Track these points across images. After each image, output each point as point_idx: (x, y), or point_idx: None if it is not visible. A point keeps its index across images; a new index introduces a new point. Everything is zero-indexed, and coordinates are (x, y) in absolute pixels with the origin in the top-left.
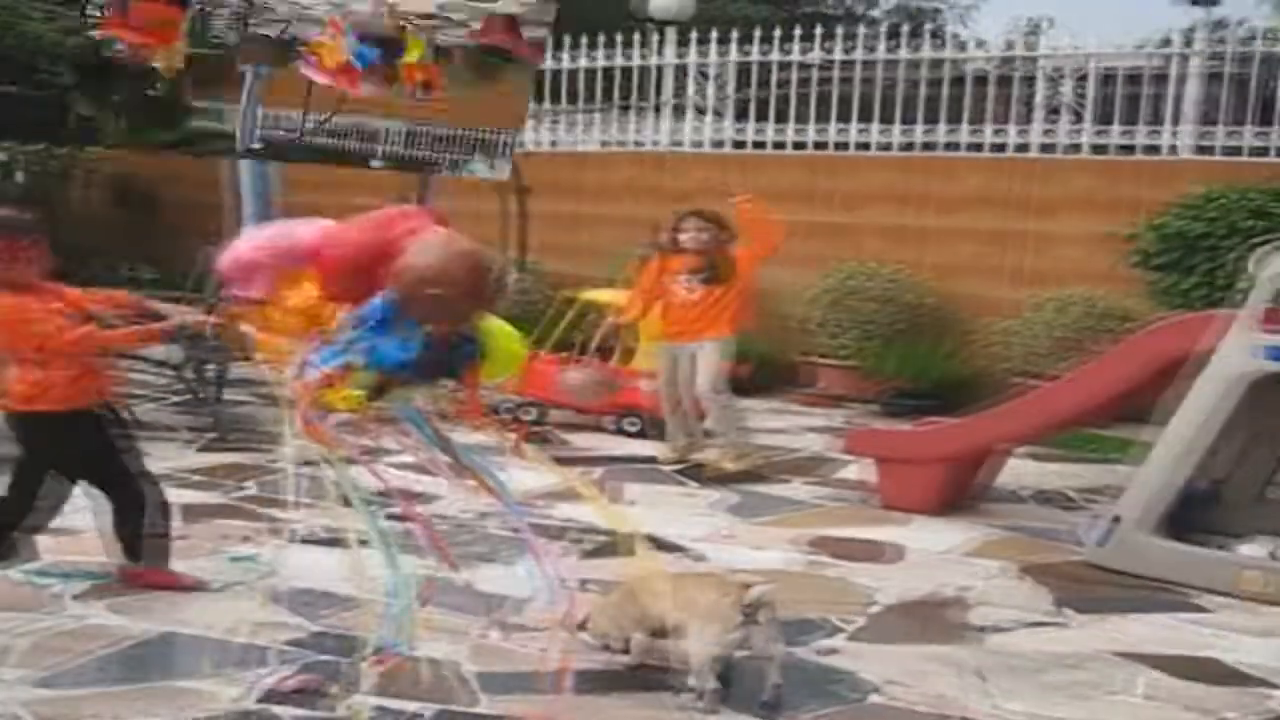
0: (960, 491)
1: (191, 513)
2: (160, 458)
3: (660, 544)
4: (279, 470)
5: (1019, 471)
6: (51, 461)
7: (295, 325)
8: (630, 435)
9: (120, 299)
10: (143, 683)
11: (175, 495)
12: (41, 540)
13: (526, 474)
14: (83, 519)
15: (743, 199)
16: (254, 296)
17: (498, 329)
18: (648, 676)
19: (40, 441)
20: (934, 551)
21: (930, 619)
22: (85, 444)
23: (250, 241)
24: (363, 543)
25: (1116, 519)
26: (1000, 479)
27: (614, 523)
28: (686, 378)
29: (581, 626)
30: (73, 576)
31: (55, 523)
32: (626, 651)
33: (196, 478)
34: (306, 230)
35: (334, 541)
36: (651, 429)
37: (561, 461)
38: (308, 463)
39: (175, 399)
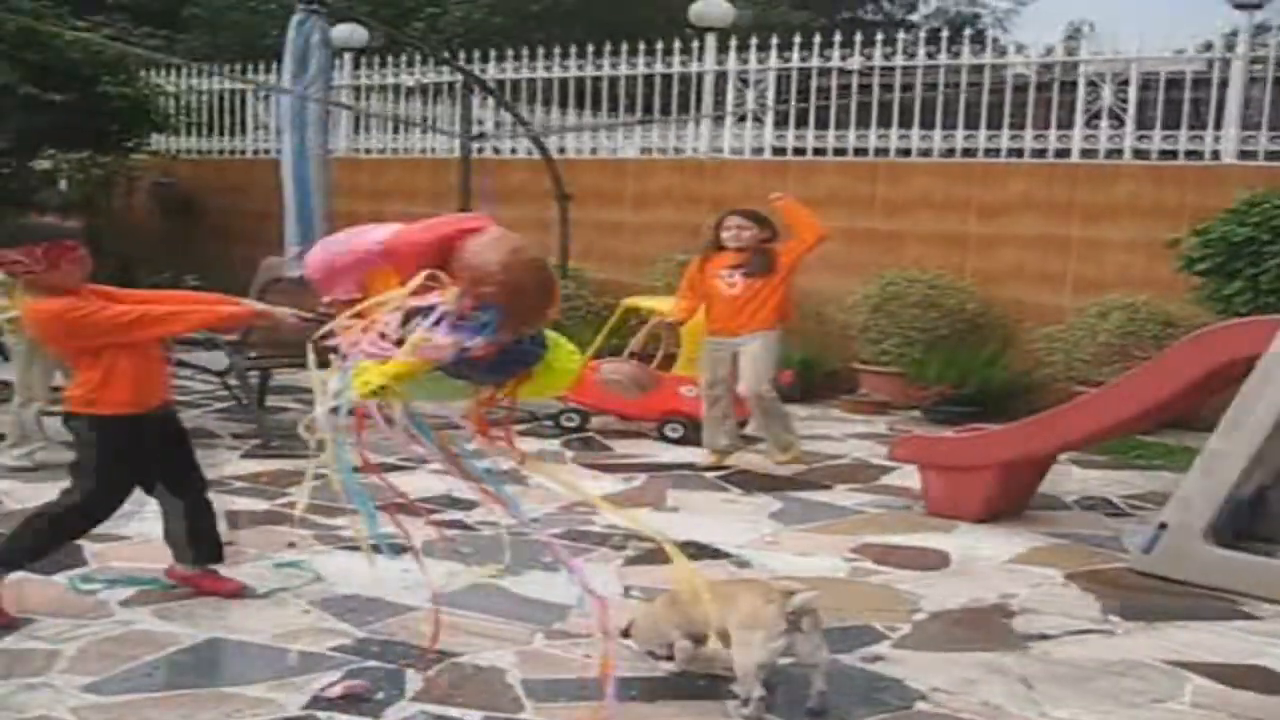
0: (1007, 499)
1: (236, 519)
2: (205, 464)
3: (704, 550)
4: (324, 477)
5: (1065, 478)
6: (116, 464)
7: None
8: (673, 441)
9: (190, 297)
10: (190, 689)
11: (220, 502)
12: (88, 546)
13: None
14: (129, 525)
15: (777, 196)
16: (341, 298)
17: (557, 342)
18: (692, 683)
19: (103, 444)
20: (980, 558)
21: (976, 626)
22: (148, 446)
23: (332, 245)
24: (404, 549)
25: (1163, 526)
26: (1046, 486)
27: (637, 526)
28: (728, 375)
29: (625, 634)
30: (119, 582)
31: (101, 528)
32: (670, 658)
33: (240, 484)
34: (381, 231)
35: (379, 548)
36: (694, 434)
37: (604, 468)
38: (356, 469)
39: (219, 406)
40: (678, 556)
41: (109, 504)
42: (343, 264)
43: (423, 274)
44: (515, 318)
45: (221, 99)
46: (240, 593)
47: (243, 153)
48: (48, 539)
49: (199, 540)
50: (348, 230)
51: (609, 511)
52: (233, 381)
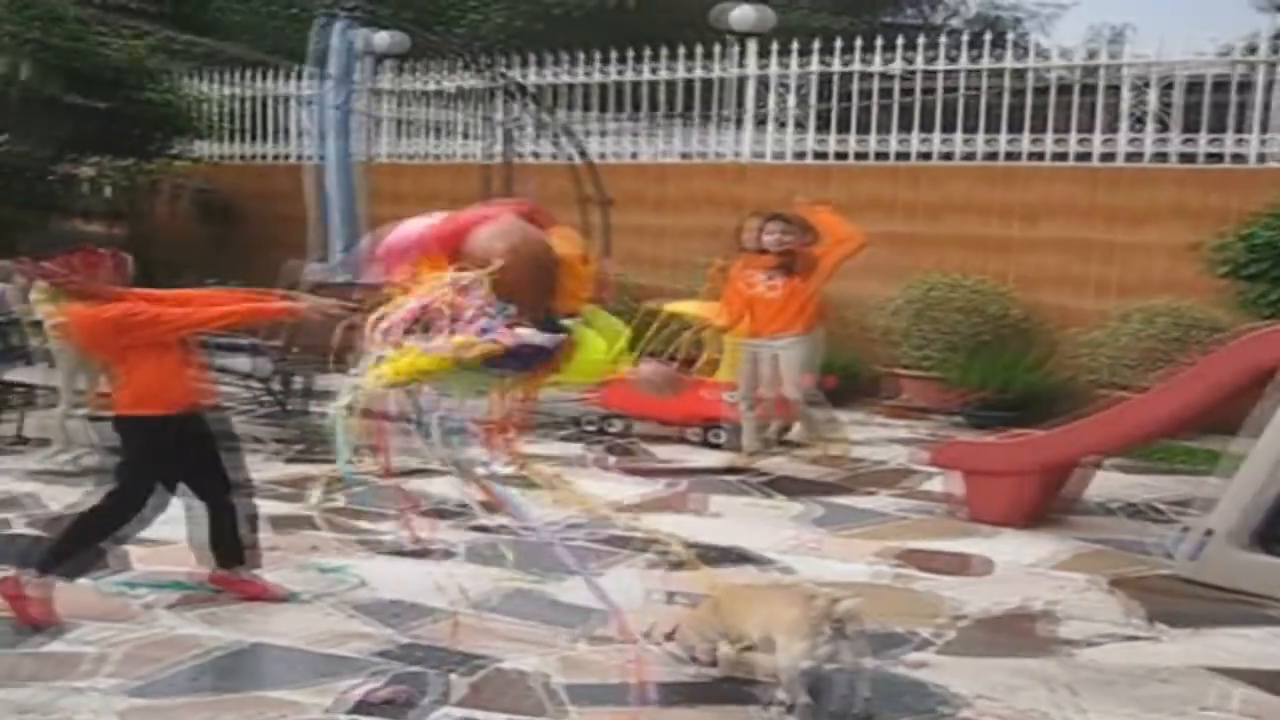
0: (1049, 504)
1: (280, 524)
2: (245, 469)
3: (746, 556)
4: (367, 482)
5: (1107, 484)
6: (153, 466)
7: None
8: (715, 447)
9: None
10: (234, 692)
11: (263, 507)
12: (133, 550)
13: (611, 486)
14: (173, 530)
15: (805, 201)
16: (395, 280)
17: (585, 335)
18: (736, 689)
19: (141, 446)
20: (1022, 564)
21: (1020, 633)
22: (185, 448)
23: (397, 231)
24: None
25: (1209, 532)
26: (1088, 491)
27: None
28: (766, 377)
29: (669, 637)
30: (164, 586)
31: (146, 533)
32: (714, 664)
33: (284, 489)
34: (426, 220)
35: (422, 553)
36: (738, 439)
37: (646, 473)
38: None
39: (262, 411)
40: (691, 560)
41: (131, 504)
42: (398, 249)
43: (442, 277)
44: (517, 304)
45: (263, 105)
46: (282, 598)
47: (284, 158)
48: (74, 541)
49: (219, 543)
50: (414, 220)
51: (612, 516)
52: (275, 387)
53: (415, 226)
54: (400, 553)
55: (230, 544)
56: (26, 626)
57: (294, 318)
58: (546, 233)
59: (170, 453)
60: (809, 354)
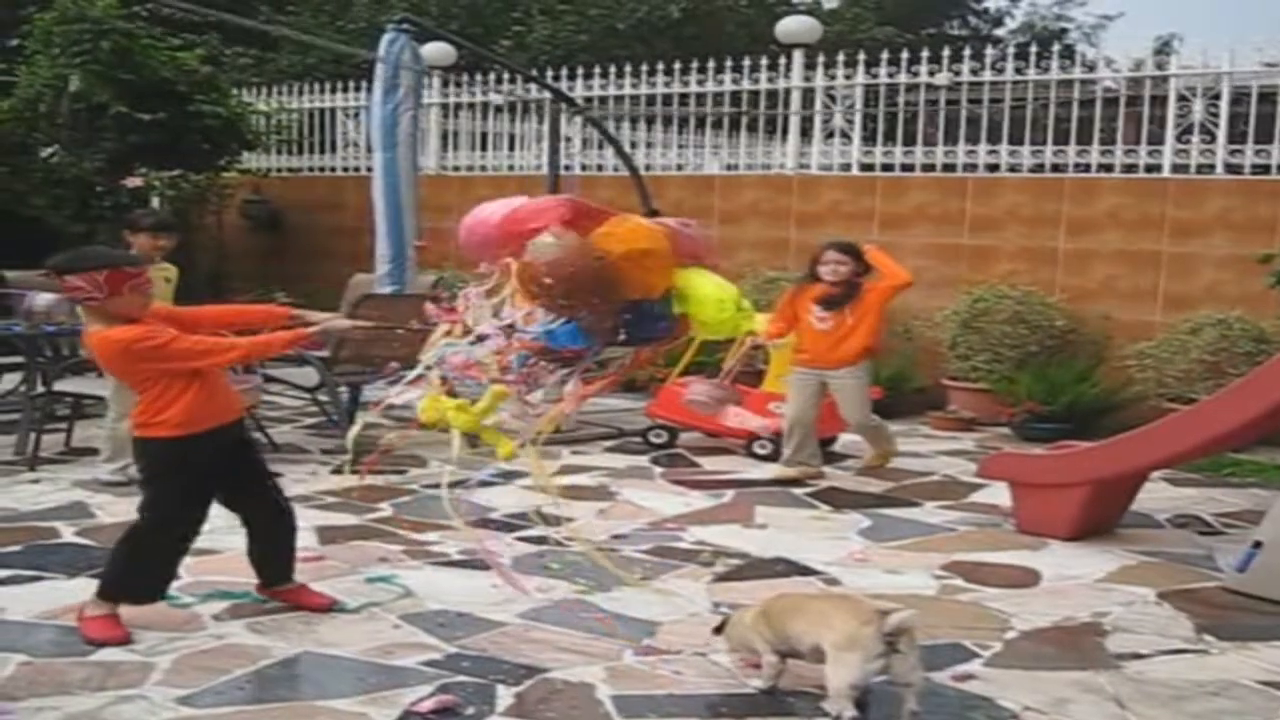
0: (1098, 516)
1: (327, 534)
2: (295, 480)
3: (793, 567)
4: (414, 492)
5: (1156, 496)
6: (174, 485)
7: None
8: (761, 458)
9: (274, 311)
10: (282, 702)
11: (311, 517)
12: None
13: (654, 497)
14: (220, 539)
15: (872, 246)
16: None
17: (695, 291)
18: (780, 701)
19: (155, 467)
20: (1070, 577)
21: (1068, 645)
22: (199, 466)
23: (475, 218)
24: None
25: (1258, 544)
26: (1138, 503)
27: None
28: (813, 403)
29: (718, 631)
30: (211, 596)
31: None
32: (758, 666)
33: (331, 499)
34: (502, 208)
35: (471, 564)
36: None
37: (692, 484)
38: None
39: (310, 421)
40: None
41: (167, 521)
42: (479, 236)
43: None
44: (570, 313)
45: (311, 117)
46: (330, 607)
47: (332, 170)
48: (124, 567)
49: (258, 561)
50: (485, 205)
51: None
52: (323, 397)
53: (493, 212)
54: (447, 562)
55: (278, 562)
56: (94, 644)
57: (305, 346)
58: (593, 229)
59: (191, 472)
60: (863, 384)
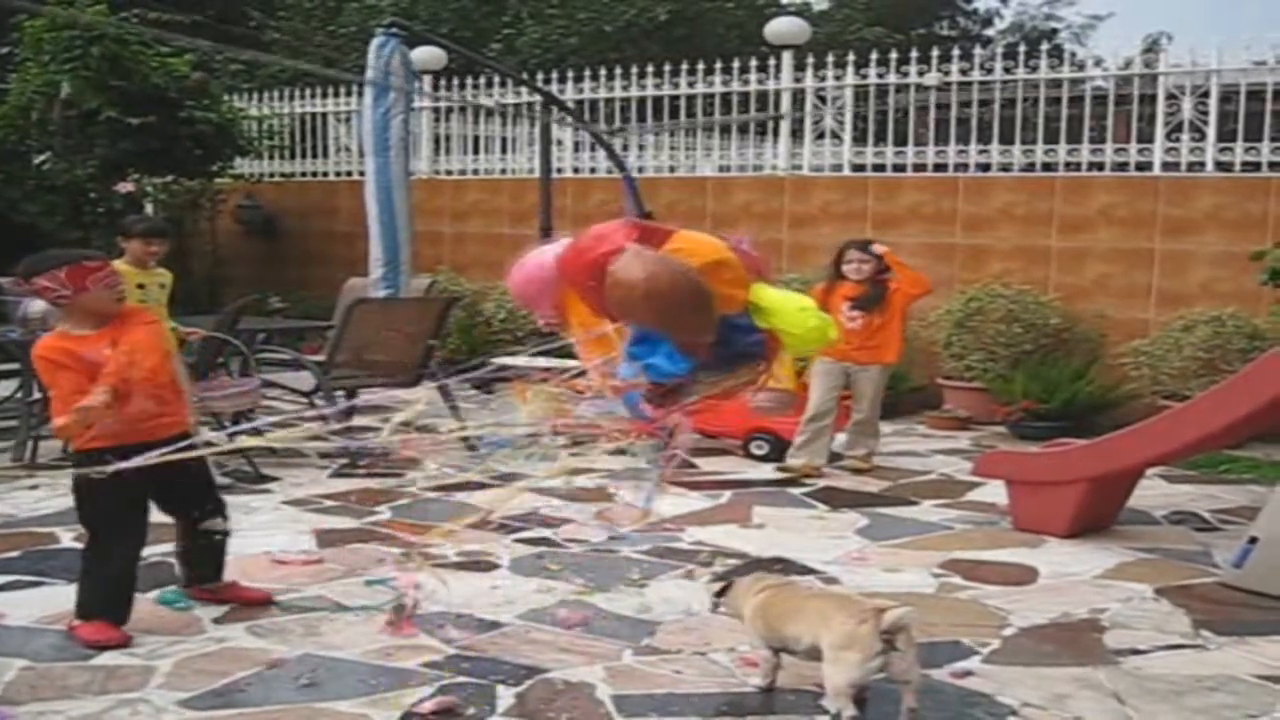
0: (1095, 514)
1: (326, 538)
2: (293, 483)
3: (791, 566)
4: (411, 495)
5: (1152, 493)
6: (89, 500)
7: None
8: (758, 458)
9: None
10: (283, 704)
11: (310, 521)
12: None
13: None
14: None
15: (881, 247)
16: (548, 318)
17: (779, 307)
18: (780, 699)
19: (86, 479)
20: (1067, 574)
21: (1066, 642)
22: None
23: (522, 268)
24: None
25: (1253, 540)
26: (1134, 500)
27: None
28: (835, 395)
29: (721, 594)
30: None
31: None
32: (755, 664)
33: (330, 503)
34: (552, 250)
35: (471, 565)
36: (779, 451)
37: (690, 485)
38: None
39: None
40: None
41: (105, 538)
42: (532, 287)
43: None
44: (671, 329)
45: (304, 122)
46: (266, 601)
47: (324, 175)
48: (85, 580)
49: (202, 562)
50: (535, 251)
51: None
52: (320, 401)
53: (542, 262)
54: (446, 564)
55: (213, 562)
56: (93, 648)
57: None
58: (668, 244)
59: (120, 484)
60: (884, 379)
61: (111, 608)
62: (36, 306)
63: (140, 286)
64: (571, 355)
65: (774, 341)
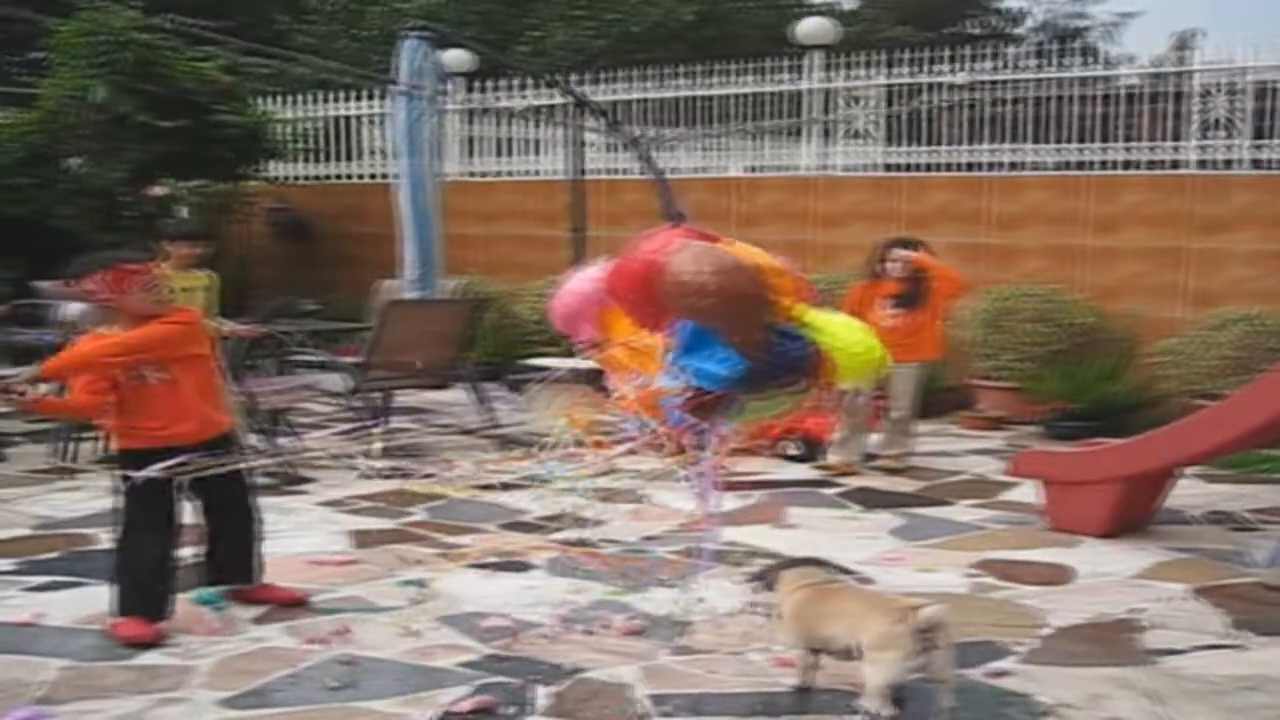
0: (1130, 513)
1: (361, 538)
2: (328, 484)
3: (825, 568)
4: (446, 496)
5: (1188, 493)
6: (143, 495)
7: (637, 359)
8: (790, 459)
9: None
10: (321, 704)
11: (345, 522)
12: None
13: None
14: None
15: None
16: (589, 340)
17: (827, 325)
18: (817, 698)
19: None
20: (1104, 574)
21: (1103, 641)
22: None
23: (563, 292)
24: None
25: None
26: (1169, 500)
27: None
28: (872, 388)
29: (767, 586)
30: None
31: None
32: (791, 664)
33: (364, 504)
34: (598, 270)
35: (505, 566)
36: (812, 452)
37: (722, 486)
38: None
39: (342, 427)
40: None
41: (134, 534)
42: (574, 308)
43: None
44: (733, 326)
45: (334, 125)
46: (299, 602)
47: (354, 177)
48: (122, 586)
49: (234, 562)
50: (573, 274)
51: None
52: (355, 403)
53: (582, 285)
54: (482, 565)
55: (243, 564)
56: (126, 645)
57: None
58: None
59: (149, 481)
60: (920, 380)
61: (143, 604)
62: (73, 309)
63: (183, 290)
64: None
65: (820, 358)
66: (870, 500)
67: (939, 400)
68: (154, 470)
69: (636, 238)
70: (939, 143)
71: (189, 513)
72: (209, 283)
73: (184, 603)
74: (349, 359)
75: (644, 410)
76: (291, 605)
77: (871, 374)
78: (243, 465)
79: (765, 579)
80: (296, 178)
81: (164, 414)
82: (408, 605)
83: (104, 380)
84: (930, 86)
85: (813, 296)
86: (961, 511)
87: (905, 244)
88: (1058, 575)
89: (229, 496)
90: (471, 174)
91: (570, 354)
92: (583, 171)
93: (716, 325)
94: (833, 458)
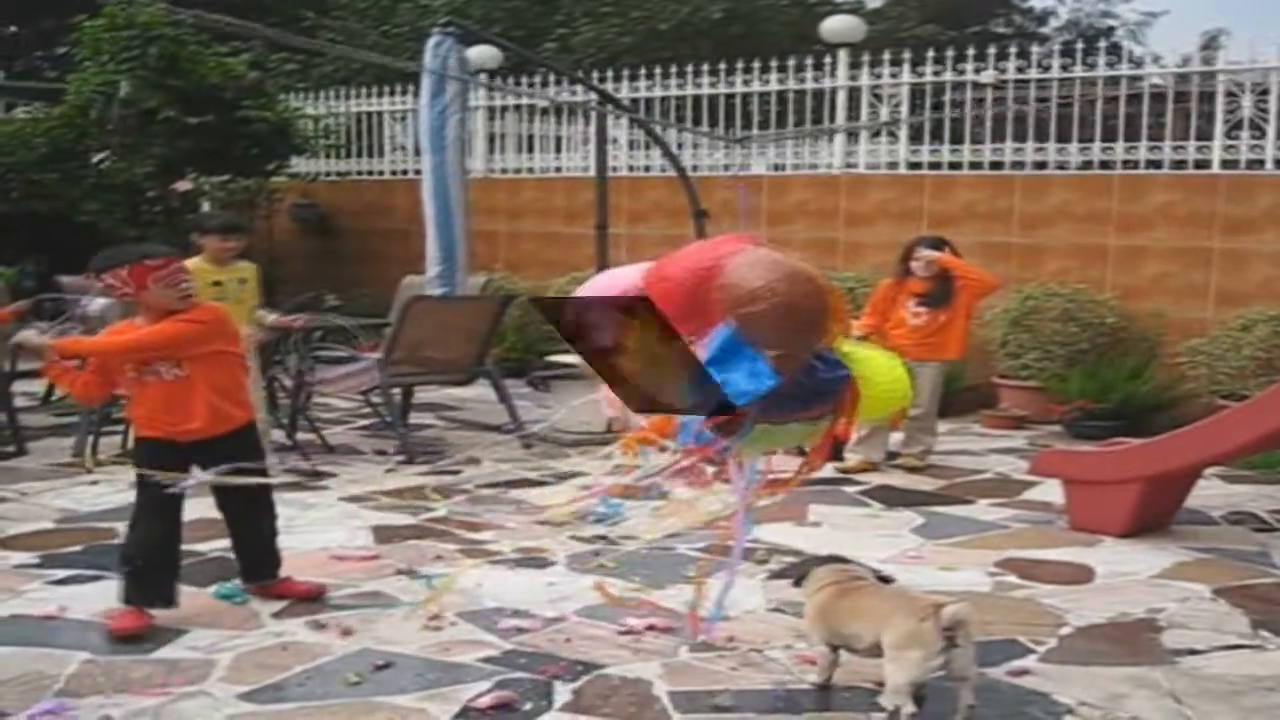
0: (1152, 513)
1: (382, 533)
2: (350, 480)
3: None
4: (468, 491)
5: (1210, 493)
6: (140, 488)
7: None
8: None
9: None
10: (341, 698)
11: (367, 517)
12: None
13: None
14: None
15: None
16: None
17: (867, 358)
18: (837, 696)
19: (145, 466)
20: (1124, 573)
21: (1123, 641)
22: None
23: (588, 294)
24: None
25: None
26: (1191, 500)
27: None
28: None
29: (798, 583)
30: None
31: None
32: (813, 661)
33: (386, 499)
34: (632, 273)
35: (526, 562)
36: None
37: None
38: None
39: (363, 422)
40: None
41: (135, 525)
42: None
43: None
44: (789, 336)
45: (360, 121)
46: (318, 595)
47: (380, 173)
48: (125, 567)
49: (252, 557)
50: (606, 274)
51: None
52: (376, 398)
53: (617, 286)
54: (502, 560)
55: (264, 558)
56: (125, 638)
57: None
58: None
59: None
60: (943, 378)
61: (139, 594)
62: (97, 304)
63: (217, 284)
64: None
65: (850, 390)
66: (892, 498)
67: (961, 399)
68: (182, 483)
69: (688, 247)
70: (965, 142)
71: (209, 508)
72: (246, 275)
73: (203, 597)
74: (370, 355)
75: (659, 435)
76: (312, 600)
77: (896, 407)
78: (253, 470)
79: (796, 575)
80: (322, 174)
81: (175, 408)
82: (428, 600)
83: (115, 372)
84: (956, 85)
85: (847, 326)
86: (983, 510)
87: (931, 243)
88: (1079, 574)
89: (247, 490)
90: (495, 171)
91: None
92: (606, 168)
93: (766, 335)
94: (850, 458)
